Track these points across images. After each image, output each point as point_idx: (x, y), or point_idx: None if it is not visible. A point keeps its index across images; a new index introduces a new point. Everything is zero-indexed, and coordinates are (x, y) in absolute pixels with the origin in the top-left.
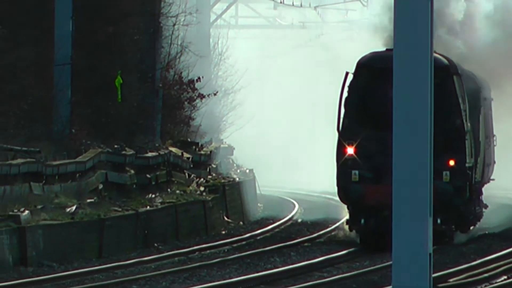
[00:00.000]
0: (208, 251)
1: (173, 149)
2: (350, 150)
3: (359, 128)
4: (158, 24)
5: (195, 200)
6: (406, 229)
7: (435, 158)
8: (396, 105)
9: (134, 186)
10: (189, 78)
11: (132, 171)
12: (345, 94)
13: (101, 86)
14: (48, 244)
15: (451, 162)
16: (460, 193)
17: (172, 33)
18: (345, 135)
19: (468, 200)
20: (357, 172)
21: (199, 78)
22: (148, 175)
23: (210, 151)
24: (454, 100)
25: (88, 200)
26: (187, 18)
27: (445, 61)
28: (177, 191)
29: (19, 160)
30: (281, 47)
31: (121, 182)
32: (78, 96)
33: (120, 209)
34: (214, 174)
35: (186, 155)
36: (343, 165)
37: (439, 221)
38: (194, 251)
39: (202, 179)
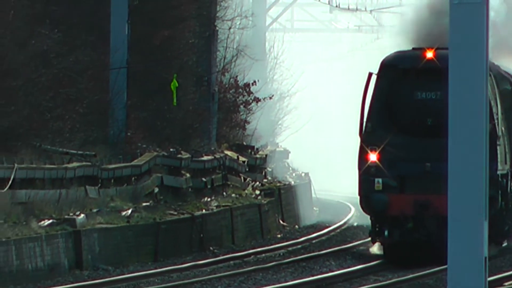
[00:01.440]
0: (263, 255)
1: (229, 153)
2: (373, 157)
3: (382, 133)
4: (214, 28)
5: (250, 203)
6: (461, 232)
7: None
8: (452, 108)
9: (190, 189)
10: (245, 81)
11: (188, 175)
12: (369, 96)
13: (157, 90)
14: (103, 247)
15: None
16: (491, 203)
17: (228, 36)
18: (367, 140)
19: (502, 210)
20: (380, 180)
21: (254, 81)
22: (203, 179)
23: (266, 155)
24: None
25: (144, 204)
26: (243, 22)
27: None
28: (233, 195)
29: (75, 164)
30: (336, 51)
31: (177, 186)
32: (134, 99)
33: (175, 213)
34: (269, 178)
35: (241, 158)
36: (366, 172)
37: None
38: (249, 255)
39: (257, 183)
